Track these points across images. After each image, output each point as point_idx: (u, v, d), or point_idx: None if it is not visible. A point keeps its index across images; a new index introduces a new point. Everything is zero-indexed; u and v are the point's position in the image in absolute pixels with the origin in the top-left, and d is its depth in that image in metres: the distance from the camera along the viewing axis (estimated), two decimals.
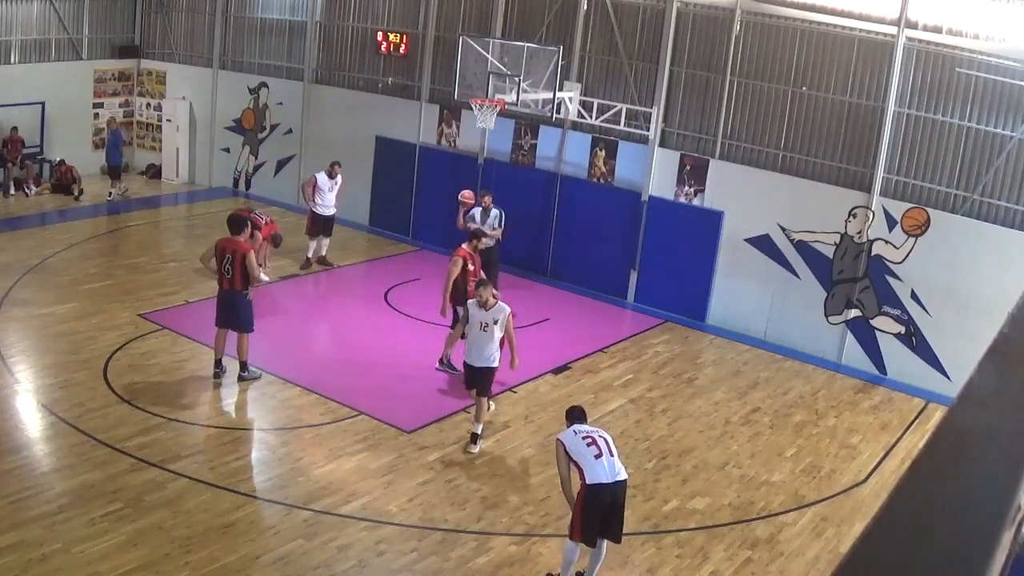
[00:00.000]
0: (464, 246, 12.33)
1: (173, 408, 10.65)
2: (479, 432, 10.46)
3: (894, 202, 13.78)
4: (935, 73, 13.36)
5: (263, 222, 15.24)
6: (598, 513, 7.66)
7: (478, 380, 10.38)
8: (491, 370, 10.43)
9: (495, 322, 10.26)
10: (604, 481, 7.59)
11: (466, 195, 15.02)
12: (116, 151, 19.93)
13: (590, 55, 16.34)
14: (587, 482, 7.62)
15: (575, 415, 8.32)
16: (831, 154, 14.36)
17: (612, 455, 7.72)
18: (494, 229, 14.36)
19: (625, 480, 7.81)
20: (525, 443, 10.74)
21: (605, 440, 7.84)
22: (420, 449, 10.30)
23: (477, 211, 14.52)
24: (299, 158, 20.10)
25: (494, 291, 10.51)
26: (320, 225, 16.22)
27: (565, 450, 7.80)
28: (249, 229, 11.62)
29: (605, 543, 7.98)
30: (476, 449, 10.34)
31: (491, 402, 10.99)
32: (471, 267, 12.15)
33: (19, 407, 10.49)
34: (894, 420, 12.58)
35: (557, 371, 12.72)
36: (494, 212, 14.38)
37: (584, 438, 7.81)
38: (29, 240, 16.19)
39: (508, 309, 10.36)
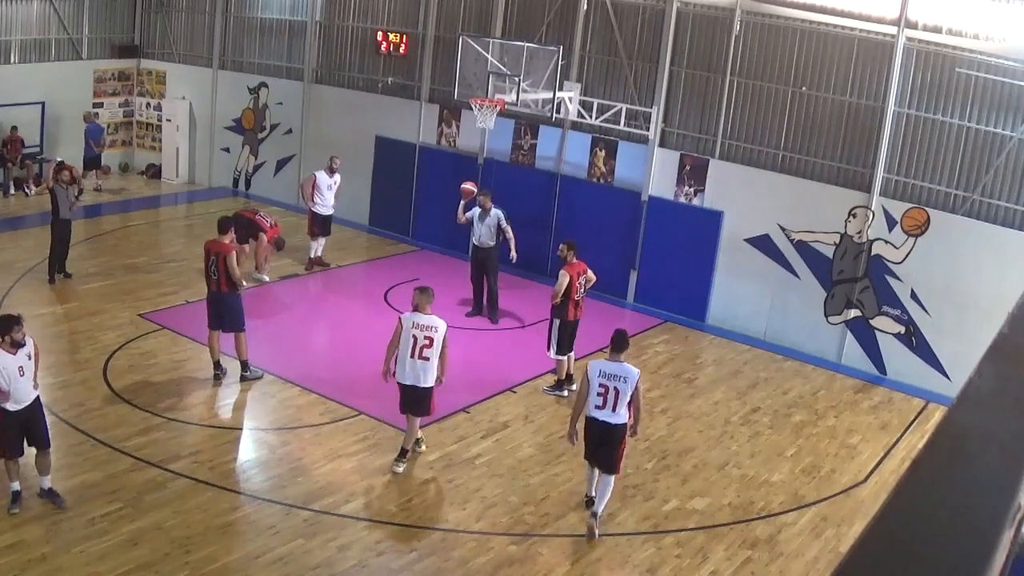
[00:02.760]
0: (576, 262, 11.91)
1: (173, 408, 10.65)
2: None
3: (894, 202, 13.78)
4: (935, 73, 13.36)
5: (268, 224, 15.27)
6: (590, 438, 8.92)
7: None
8: None
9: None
10: (596, 417, 8.79)
11: (467, 187, 14.94)
12: (95, 144, 20.05)
13: (590, 55, 16.34)
14: (586, 413, 8.88)
15: (615, 343, 8.95)
16: (831, 154, 14.36)
17: (614, 410, 8.68)
18: (504, 227, 14.27)
19: (616, 425, 8.73)
20: (525, 443, 10.74)
21: (617, 392, 8.65)
22: (420, 449, 10.29)
23: (476, 211, 14.49)
24: (299, 158, 20.10)
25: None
26: (320, 225, 16.23)
27: (586, 377, 8.82)
28: (233, 232, 11.56)
29: (611, 480, 8.93)
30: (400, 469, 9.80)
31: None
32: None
33: None
34: (894, 420, 12.58)
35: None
36: (494, 212, 14.34)
37: (600, 386, 8.68)
38: (29, 240, 16.18)
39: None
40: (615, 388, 8.66)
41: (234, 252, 11.19)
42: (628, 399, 8.70)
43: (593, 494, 9.17)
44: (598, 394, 8.69)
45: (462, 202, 14.76)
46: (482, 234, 14.36)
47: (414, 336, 9.37)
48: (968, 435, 1.77)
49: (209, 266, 11.16)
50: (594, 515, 8.91)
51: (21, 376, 8.14)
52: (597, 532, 8.87)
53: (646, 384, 12.77)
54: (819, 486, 10.47)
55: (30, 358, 8.27)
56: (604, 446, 8.85)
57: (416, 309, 9.58)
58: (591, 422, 8.84)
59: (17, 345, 8.13)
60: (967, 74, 13.06)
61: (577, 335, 12.22)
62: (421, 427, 10.17)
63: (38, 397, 8.43)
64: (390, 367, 9.58)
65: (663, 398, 12.45)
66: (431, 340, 9.40)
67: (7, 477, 8.26)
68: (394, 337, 9.53)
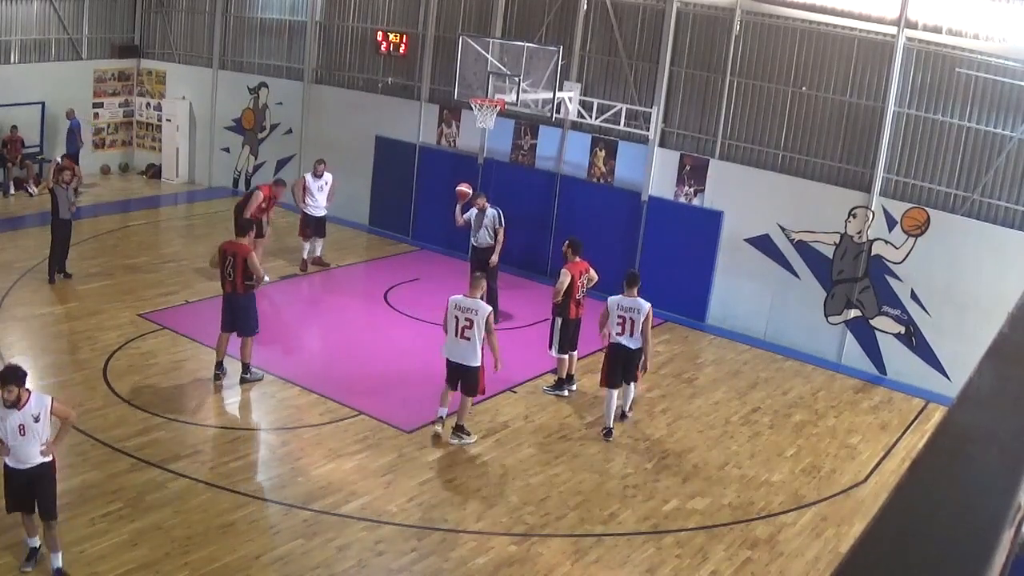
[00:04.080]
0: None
1: (173, 408, 10.65)
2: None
3: (894, 202, 13.78)
4: (935, 73, 13.36)
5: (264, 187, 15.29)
6: (615, 363, 10.81)
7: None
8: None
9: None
10: (618, 342, 10.76)
11: (462, 189, 14.94)
12: (75, 140, 20.04)
13: (590, 55, 16.33)
14: (610, 340, 10.85)
15: (628, 280, 10.90)
16: (831, 154, 14.36)
17: (632, 335, 10.68)
18: (497, 228, 14.28)
19: (634, 349, 10.72)
20: (525, 443, 10.74)
21: (633, 322, 10.66)
22: (420, 449, 10.30)
23: (474, 212, 14.49)
24: (299, 158, 20.09)
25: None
26: (311, 226, 16.21)
27: (607, 310, 10.84)
28: (254, 232, 11.66)
29: (632, 386, 11.21)
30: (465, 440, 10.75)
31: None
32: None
33: None
34: (894, 420, 12.58)
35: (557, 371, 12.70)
36: (490, 211, 14.34)
37: (619, 316, 10.69)
38: (29, 240, 16.18)
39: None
40: (630, 319, 10.66)
41: (252, 252, 11.26)
42: (641, 327, 10.61)
43: (611, 425, 10.98)
44: (618, 323, 10.69)
45: (458, 204, 14.77)
46: (480, 234, 14.37)
47: (456, 317, 10.21)
48: (968, 435, 1.76)
49: (225, 267, 11.17)
50: (623, 415, 11.22)
51: (22, 435, 7.30)
52: (631, 415, 11.29)
53: (646, 384, 12.80)
54: (819, 486, 10.47)
55: (37, 420, 7.34)
56: (626, 365, 10.87)
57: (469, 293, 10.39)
58: (614, 347, 10.79)
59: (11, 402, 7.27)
60: (967, 74, 13.05)
61: (579, 335, 12.22)
62: (445, 417, 10.59)
63: (51, 465, 7.52)
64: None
65: (663, 398, 12.45)
66: (471, 322, 10.16)
67: (24, 532, 7.69)
68: (444, 317, 10.44)
